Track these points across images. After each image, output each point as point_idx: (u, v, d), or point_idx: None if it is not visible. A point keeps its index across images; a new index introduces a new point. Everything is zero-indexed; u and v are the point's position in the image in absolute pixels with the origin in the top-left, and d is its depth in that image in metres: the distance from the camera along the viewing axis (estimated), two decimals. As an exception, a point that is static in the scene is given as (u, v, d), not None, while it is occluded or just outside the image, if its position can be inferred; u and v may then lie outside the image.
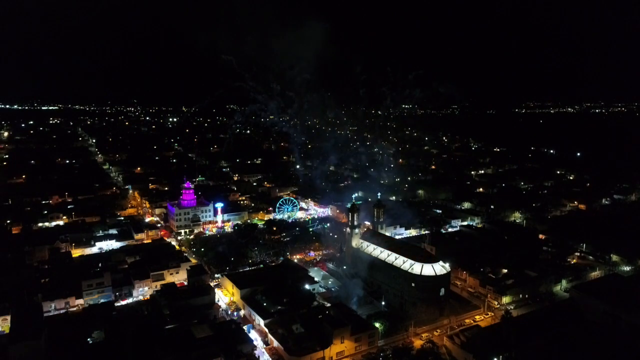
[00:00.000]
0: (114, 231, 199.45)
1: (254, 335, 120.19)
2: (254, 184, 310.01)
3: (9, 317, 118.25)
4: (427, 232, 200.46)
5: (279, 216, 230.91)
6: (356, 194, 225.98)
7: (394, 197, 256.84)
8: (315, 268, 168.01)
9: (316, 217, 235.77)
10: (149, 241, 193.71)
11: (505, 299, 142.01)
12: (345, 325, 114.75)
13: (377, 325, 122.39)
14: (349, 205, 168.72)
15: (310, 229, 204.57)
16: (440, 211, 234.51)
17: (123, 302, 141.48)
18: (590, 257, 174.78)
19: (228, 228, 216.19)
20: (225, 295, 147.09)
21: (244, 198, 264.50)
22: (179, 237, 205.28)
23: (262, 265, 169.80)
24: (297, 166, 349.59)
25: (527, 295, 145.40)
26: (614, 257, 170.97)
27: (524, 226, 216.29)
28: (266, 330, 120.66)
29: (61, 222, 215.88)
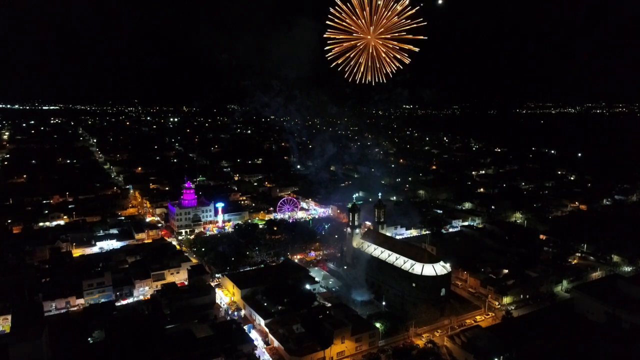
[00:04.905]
0: (114, 231, 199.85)
1: (254, 335, 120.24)
2: (255, 184, 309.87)
3: (9, 317, 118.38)
4: (427, 232, 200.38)
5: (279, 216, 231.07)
6: (357, 194, 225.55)
7: (394, 197, 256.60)
8: (316, 268, 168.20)
9: (317, 216, 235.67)
10: (150, 241, 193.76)
11: (506, 300, 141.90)
12: (346, 326, 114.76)
13: (377, 325, 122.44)
14: (349, 205, 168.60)
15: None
16: (441, 211, 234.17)
17: (123, 302, 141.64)
18: (591, 258, 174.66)
19: (229, 228, 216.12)
20: (226, 295, 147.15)
21: (244, 198, 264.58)
22: (180, 237, 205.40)
23: (262, 265, 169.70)
24: (298, 166, 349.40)
25: (527, 296, 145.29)
26: (615, 258, 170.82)
27: (524, 226, 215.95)
28: (267, 330, 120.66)
29: (62, 222, 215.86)
